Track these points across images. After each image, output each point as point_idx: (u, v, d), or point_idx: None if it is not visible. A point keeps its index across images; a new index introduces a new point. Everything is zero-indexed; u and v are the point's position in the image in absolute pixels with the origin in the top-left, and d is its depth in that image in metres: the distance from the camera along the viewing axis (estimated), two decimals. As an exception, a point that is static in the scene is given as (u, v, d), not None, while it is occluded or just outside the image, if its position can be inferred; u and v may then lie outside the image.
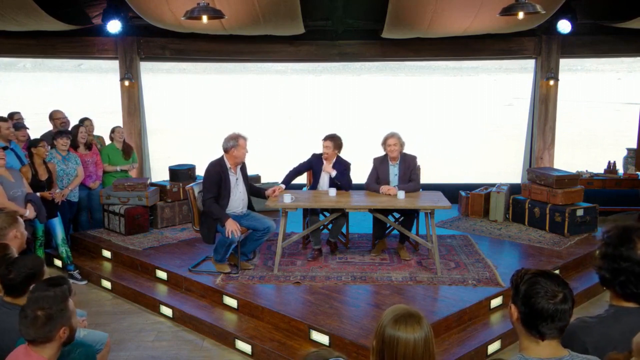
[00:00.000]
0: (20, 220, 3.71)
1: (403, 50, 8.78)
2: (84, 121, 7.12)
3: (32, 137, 6.51)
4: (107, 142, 7.46)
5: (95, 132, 7.47)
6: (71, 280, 3.43)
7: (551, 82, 8.65)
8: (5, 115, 6.61)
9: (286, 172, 6.02)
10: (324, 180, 5.96)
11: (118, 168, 7.21)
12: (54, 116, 7.10)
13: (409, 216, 5.71)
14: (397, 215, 5.97)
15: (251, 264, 5.60)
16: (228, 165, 5.26)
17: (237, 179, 5.34)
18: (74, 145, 6.68)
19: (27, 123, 7.05)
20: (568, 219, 6.42)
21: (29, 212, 5.19)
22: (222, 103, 34.50)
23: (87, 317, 3.67)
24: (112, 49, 8.75)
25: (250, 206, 5.55)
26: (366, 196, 5.62)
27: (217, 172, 5.19)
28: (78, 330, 3.42)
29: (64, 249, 6.00)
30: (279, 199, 5.46)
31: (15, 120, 6.72)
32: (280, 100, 35.16)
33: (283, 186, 5.80)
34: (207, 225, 5.26)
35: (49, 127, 7.22)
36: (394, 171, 5.84)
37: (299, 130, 23.85)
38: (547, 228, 6.68)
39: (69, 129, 6.97)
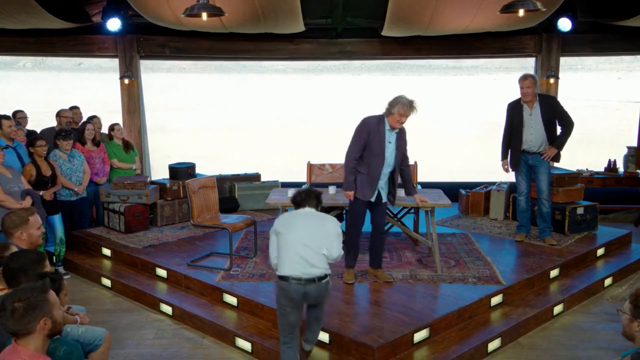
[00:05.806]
0: (32, 221, 3.69)
1: (403, 49, 8.77)
2: (92, 119, 7.12)
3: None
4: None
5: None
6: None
7: (551, 81, 8.64)
8: (9, 114, 6.57)
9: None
10: None
11: (133, 166, 7.25)
12: (61, 114, 7.07)
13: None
14: (395, 211, 5.95)
15: (252, 261, 5.59)
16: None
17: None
18: (82, 142, 6.72)
19: (27, 122, 7.04)
20: (568, 217, 6.41)
21: (26, 202, 5.18)
22: (222, 102, 34.49)
23: (87, 315, 3.65)
24: (112, 47, 8.74)
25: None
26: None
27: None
28: (77, 327, 3.42)
29: (60, 249, 5.99)
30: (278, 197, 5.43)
31: (16, 119, 6.70)
32: (281, 99, 35.15)
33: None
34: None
35: (50, 125, 7.21)
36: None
37: (299, 129, 23.87)
38: (547, 226, 6.66)
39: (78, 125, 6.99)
